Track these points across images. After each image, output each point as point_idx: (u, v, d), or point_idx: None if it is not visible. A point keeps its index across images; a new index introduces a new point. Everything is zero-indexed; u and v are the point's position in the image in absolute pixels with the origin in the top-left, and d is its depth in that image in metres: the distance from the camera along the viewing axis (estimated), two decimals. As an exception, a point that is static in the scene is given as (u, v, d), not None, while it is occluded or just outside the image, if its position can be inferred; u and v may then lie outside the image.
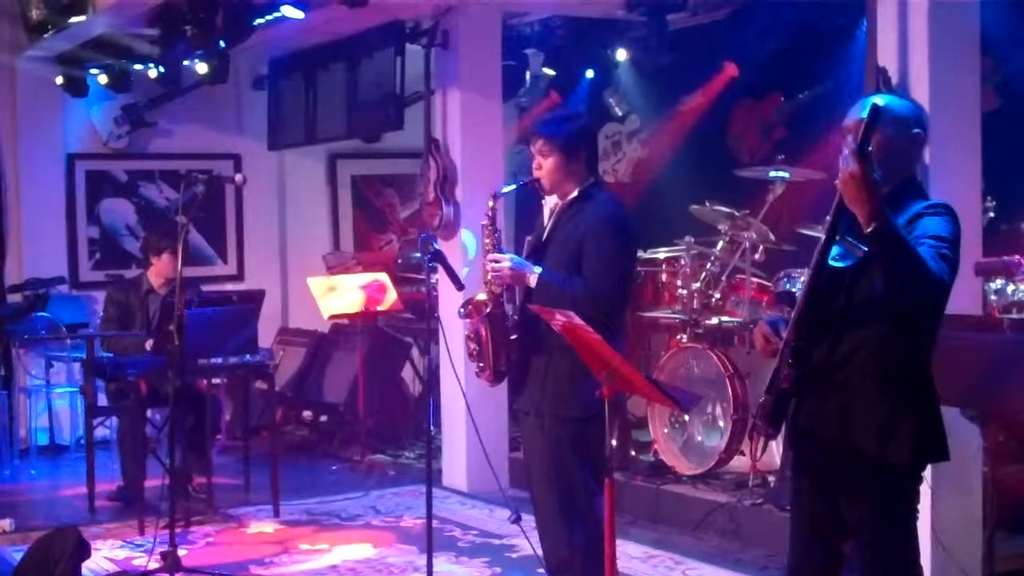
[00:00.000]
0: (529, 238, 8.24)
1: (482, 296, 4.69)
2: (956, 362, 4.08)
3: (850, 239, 3.35)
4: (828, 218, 3.38)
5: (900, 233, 3.22)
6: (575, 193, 4.64)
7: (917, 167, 3.69)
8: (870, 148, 3.18)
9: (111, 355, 7.40)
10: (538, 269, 4.59)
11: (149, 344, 7.16)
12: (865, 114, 3.48)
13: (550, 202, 4.81)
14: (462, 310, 4.70)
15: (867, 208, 3.16)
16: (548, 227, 4.75)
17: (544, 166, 4.62)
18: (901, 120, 3.50)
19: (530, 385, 4.65)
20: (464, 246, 7.58)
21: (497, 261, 4.64)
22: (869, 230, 3.17)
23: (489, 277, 4.66)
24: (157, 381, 6.81)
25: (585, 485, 4.49)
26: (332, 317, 8.79)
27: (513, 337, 4.66)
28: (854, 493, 3.51)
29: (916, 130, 3.53)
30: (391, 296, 8.58)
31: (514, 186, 4.96)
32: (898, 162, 3.45)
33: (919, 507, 3.58)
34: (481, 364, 4.71)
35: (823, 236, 3.42)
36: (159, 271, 7.52)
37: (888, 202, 3.27)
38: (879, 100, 3.58)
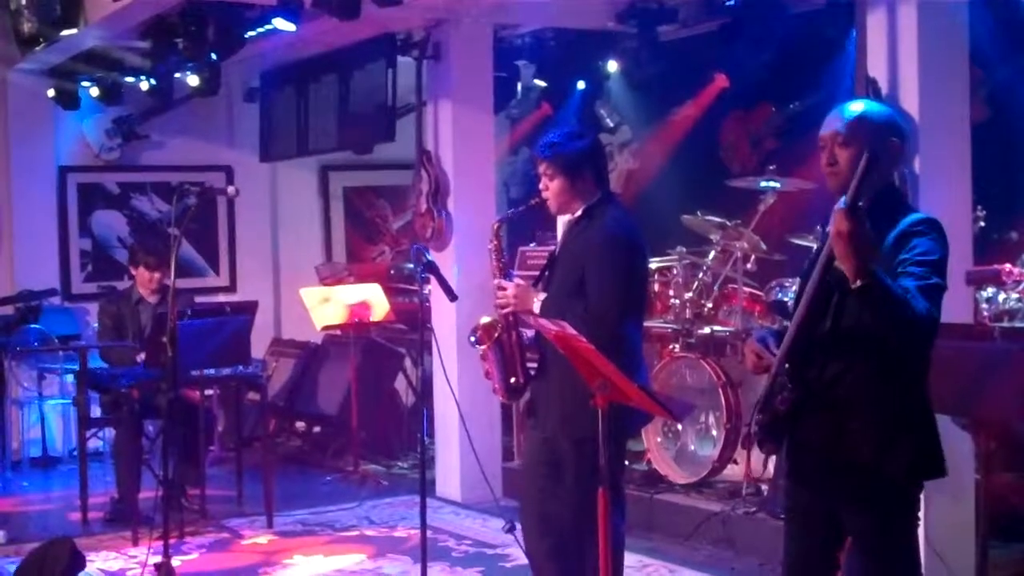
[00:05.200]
0: (523, 248, 8.30)
1: (487, 319, 4.70)
2: (948, 370, 4.10)
3: (838, 263, 3.36)
4: (824, 251, 3.38)
5: (886, 287, 3.17)
6: (580, 211, 4.61)
7: (895, 174, 3.69)
8: (860, 203, 3.15)
9: (106, 366, 7.40)
10: (541, 295, 4.59)
11: (141, 356, 7.17)
12: (840, 127, 3.49)
13: (564, 217, 4.81)
14: (473, 338, 4.71)
15: (854, 265, 3.13)
16: (559, 245, 4.76)
17: (550, 188, 4.59)
18: (877, 128, 3.48)
19: (542, 405, 4.66)
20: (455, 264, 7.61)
21: (502, 288, 4.65)
22: (856, 286, 3.14)
23: (497, 303, 4.68)
24: (150, 392, 6.81)
25: (593, 505, 4.35)
26: (325, 328, 8.79)
27: (530, 356, 4.67)
28: (855, 505, 3.51)
29: (893, 138, 3.51)
30: (383, 306, 8.57)
31: (521, 208, 4.95)
32: (876, 172, 3.33)
33: (919, 517, 3.59)
34: (496, 385, 4.73)
35: (819, 265, 3.42)
36: (141, 283, 7.54)
37: (872, 212, 3.27)
38: (858, 107, 3.58)
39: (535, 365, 4.71)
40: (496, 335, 4.66)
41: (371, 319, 8.47)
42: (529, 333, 4.76)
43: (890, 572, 3.54)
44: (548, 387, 4.62)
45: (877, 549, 3.52)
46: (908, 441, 3.44)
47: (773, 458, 6.21)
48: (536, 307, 4.55)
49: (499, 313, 4.68)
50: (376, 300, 8.52)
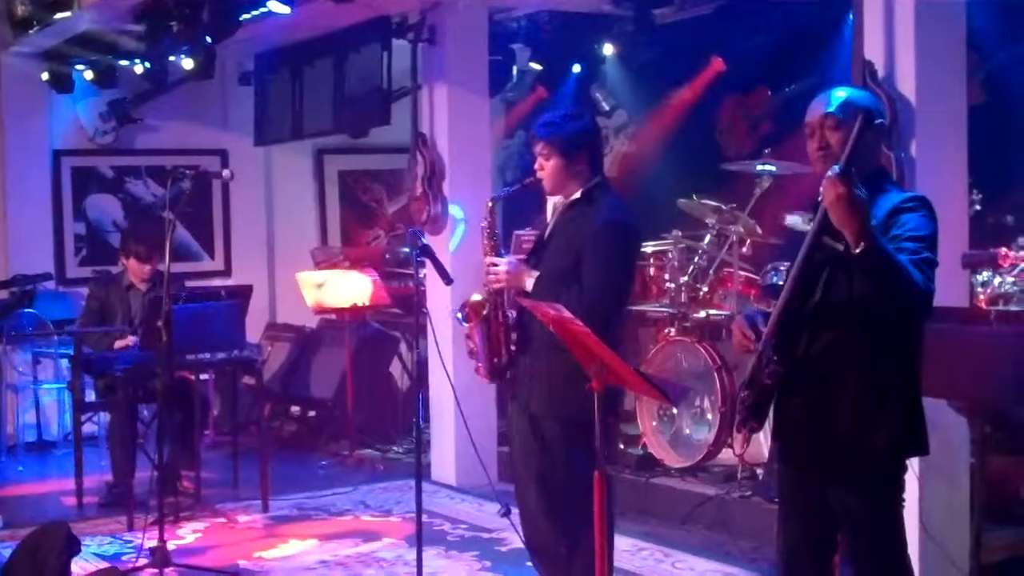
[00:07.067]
0: (517, 232, 8.27)
1: (477, 297, 4.69)
2: (943, 354, 4.10)
3: (827, 238, 3.36)
4: (812, 225, 3.39)
5: (888, 252, 3.22)
6: (578, 194, 4.60)
7: (880, 156, 3.71)
8: (853, 169, 3.19)
9: (92, 351, 7.38)
10: (535, 273, 4.58)
11: (126, 341, 7.15)
12: (831, 109, 3.52)
13: (554, 199, 4.80)
14: (460, 314, 4.70)
15: (855, 229, 3.17)
16: (550, 227, 4.75)
17: (546, 168, 4.59)
18: (864, 110, 3.47)
19: (526, 384, 4.65)
20: (452, 218, 7.60)
21: (495, 265, 4.64)
22: (858, 250, 3.17)
23: (487, 280, 4.67)
24: (144, 377, 6.80)
25: (583, 484, 4.18)
26: (319, 311, 8.78)
27: (514, 336, 4.67)
28: (841, 483, 3.54)
29: (877, 120, 3.53)
30: (373, 289, 8.57)
31: (515, 187, 4.94)
32: (864, 154, 3.38)
33: (905, 497, 3.61)
34: (479, 363, 4.72)
35: (807, 240, 3.43)
36: (132, 272, 7.51)
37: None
38: (842, 92, 3.61)
39: (513, 346, 4.71)
40: (484, 313, 4.66)
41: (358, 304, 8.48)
42: (511, 312, 4.76)
43: (877, 551, 3.56)
44: (533, 367, 4.62)
45: (863, 531, 3.54)
46: (891, 417, 3.47)
47: (768, 442, 6.23)
48: (529, 285, 4.55)
49: (488, 291, 4.67)
50: (362, 292, 8.51)
